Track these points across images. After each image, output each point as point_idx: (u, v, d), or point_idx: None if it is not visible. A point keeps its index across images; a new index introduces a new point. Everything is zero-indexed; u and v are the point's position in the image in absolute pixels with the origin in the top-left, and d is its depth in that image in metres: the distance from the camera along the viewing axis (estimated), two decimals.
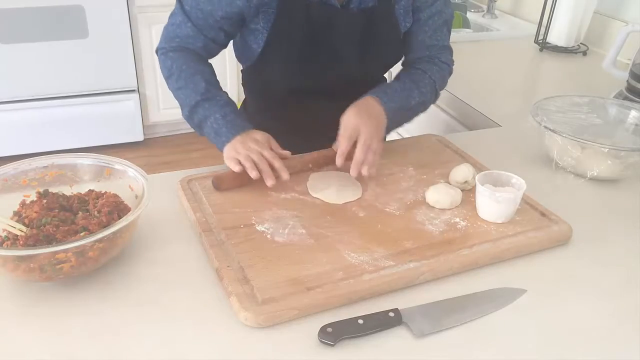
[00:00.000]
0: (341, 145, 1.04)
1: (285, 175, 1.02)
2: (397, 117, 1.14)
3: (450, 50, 1.26)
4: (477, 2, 2.63)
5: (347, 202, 1.02)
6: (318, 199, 1.03)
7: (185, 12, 1.11)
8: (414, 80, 1.18)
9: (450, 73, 1.26)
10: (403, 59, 1.27)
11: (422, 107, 1.21)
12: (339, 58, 1.18)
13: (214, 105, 1.09)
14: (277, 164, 1.02)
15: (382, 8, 1.15)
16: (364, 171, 1.03)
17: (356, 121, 1.05)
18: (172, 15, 1.15)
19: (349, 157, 1.04)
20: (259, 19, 1.12)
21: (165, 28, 1.16)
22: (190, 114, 1.11)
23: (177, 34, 1.13)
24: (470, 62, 1.88)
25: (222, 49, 1.19)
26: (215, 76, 1.15)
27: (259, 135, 1.07)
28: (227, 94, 1.12)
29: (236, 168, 1.02)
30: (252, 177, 1.00)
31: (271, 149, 1.05)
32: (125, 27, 2.94)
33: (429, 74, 1.19)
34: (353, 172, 1.03)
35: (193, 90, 1.09)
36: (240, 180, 1.04)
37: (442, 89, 1.25)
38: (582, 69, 1.90)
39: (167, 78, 1.14)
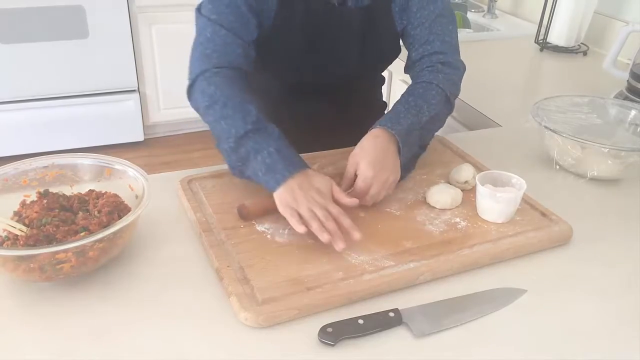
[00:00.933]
0: (352, 197, 0.95)
1: (356, 236, 0.88)
2: (412, 139, 1.05)
3: (455, 49, 1.18)
4: (477, 2, 2.63)
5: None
6: None
7: (215, 21, 1.04)
8: (420, 96, 1.08)
9: (460, 75, 1.17)
10: (406, 62, 1.24)
11: (437, 121, 1.12)
12: (337, 55, 1.18)
13: (267, 138, 0.95)
14: (346, 222, 0.89)
15: (379, 6, 1.15)
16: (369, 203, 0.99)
17: (370, 173, 0.96)
18: (198, 34, 1.06)
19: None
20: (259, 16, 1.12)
21: (195, 51, 1.06)
22: (236, 145, 0.95)
23: (213, 47, 1.03)
24: (471, 62, 1.86)
25: (254, 56, 1.10)
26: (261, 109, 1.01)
27: (321, 182, 0.93)
28: (276, 127, 0.98)
29: (300, 228, 0.87)
30: (323, 240, 0.86)
31: (335, 201, 0.92)
32: (126, 27, 2.94)
33: (435, 83, 1.10)
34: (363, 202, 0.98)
35: (242, 120, 0.96)
36: (266, 206, 0.95)
37: (455, 96, 1.15)
38: (583, 69, 1.90)
39: (209, 107, 0.99)
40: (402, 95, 1.11)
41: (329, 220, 0.88)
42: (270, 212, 0.95)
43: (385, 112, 1.44)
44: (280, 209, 0.90)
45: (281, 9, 1.10)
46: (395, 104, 1.09)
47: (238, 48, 1.05)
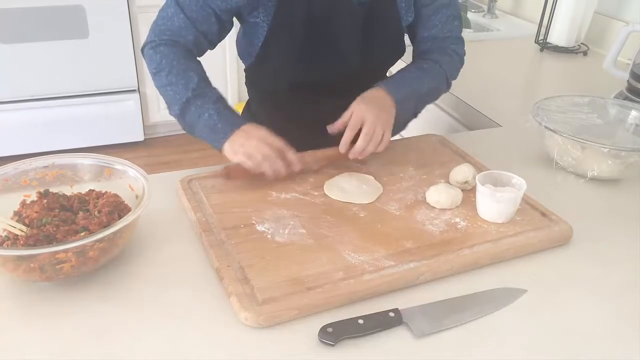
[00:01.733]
0: (346, 133, 1.07)
1: (298, 166, 1.03)
2: (408, 104, 1.15)
3: (462, 42, 1.27)
4: (477, 2, 2.63)
5: (348, 202, 1.02)
6: (323, 198, 1.03)
7: (179, 3, 1.08)
8: (423, 69, 1.19)
9: (462, 64, 1.27)
10: (413, 53, 1.28)
11: (434, 94, 1.23)
12: (340, 51, 1.18)
13: (206, 102, 1.05)
14: (289, 153, 1.03)
15: (383, 1, 1.15)
16: (360, 157, 1.08)
17: (362, 110, 1.07)
18: (162, 9, 1.12)
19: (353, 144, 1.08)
20: (259, 12, 1.11)
21: (155, 22, 1.12)
22: (181, 111, 1.07)
23: (168, 26, 1.09)
24: (471, 62, 1.87)
25: (209, 48, 1.16)
26: (206, 73, 1.11)
27: (257, 128, 1.05)
28: (218, 89, 1.09)
29: (248, 163, 1.01)
30: (269, 175, 1.01)
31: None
32: (126, 26, 2.94)
33: (439, 63, 1.20)
34: (351, 156, 1.08)
35: (184, 87, 1.06)
36: (248, 172, 1.03)
37: (453, 78, 1.26)
38: (583, 69, 1.90)
39: (156, 74, 1.09)
40: (408, 65, 1.22)
41: (274, 153, 1.01)
42: (255, 176, 1.04)
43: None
44: (231, 157, 1.02)
45: (282, 5, 1.10)
46: (399, 71, 1.20)
47: (190, 35, 1.10)
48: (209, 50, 1.17)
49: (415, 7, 1.19)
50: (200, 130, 1.06)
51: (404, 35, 1.22)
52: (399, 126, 1.16)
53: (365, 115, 1.07)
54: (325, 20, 1.13)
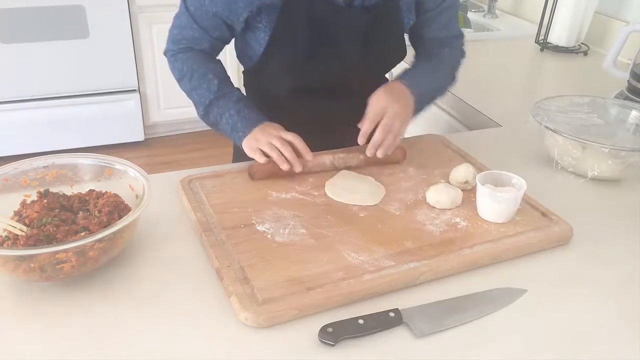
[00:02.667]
0: (364, 125, 1.09)
1: (309, 156, 1.06)
2: (422, 100, 1.18)
3: (462, 36, 1.30)
4: (477, 2, 2.63)
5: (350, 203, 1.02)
6: (324, 198, 1.03)
7: (190, 13, 1.12)
8: (434, 65, 1.23)
9: (464, 57, 1.29)
10: (415, 51, 1.30)
11: (443, 90, 1.26)
12: (343, 56, 1.17)
13: (227, 102, 1.12)
14: (301, 145, 1.07)
15: (386, 5, 1.14)
16: (379, 153, 1.09)
17: (383, 102, 1.09)
18: (177, 16, 1.16)
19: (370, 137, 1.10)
20: (261, 17, 1.11)
21: (171, 30, 1.18)
22: (205, 113, 1.14)
23: (183, 35, 1.15)
24: (471, 62, 1.86)
25: (226, 44, 1.21)
26: (226, 73, 1.18)
27: (275, 124, 1.10)
28: (239, 90, 1.16)
29: (261, 159, 1.06)
30: (283, 169, 1.04)
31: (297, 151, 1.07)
32: (126, 26, 2.94)
33: (447, 58, 1.25)
34: (369, 152, 1.10)
35: (207, 90, 1.13)
36: (271, 172, 1.07)
37: (456, 71, 1.29)
38: (583, 69, 1.90)
39: (180, 80, 1.17)
40: (418, 61, 1.26)
41: (285, 147, 1.05)
42: (277, 174, 1.07)
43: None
44: (249, 153, 1.08)
45: (285, 11, 1.09)
46: (413, 67, 1.24)
47: (205, 42, 1.16)
48: None
49: (417, 11, 1.19)
50: (223, 129, 1.13)
51: (404, 38, 1.22)
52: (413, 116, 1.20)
53: (387, 107, 1.09)
54: (327, 25, 1.13)
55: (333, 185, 1.07)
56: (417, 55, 1.29)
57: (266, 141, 1.06)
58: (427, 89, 1.19)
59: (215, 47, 1.18)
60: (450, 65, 1.26)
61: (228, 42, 1.20)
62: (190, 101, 1.18)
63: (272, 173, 1.07)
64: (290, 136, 1.07)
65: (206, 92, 1.13)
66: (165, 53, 1.20)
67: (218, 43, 1.17)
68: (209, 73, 1.14)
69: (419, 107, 1.17)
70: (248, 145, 1.09)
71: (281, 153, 1.06)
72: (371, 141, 1.09)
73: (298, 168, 1.06)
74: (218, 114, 1.13)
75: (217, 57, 1.21)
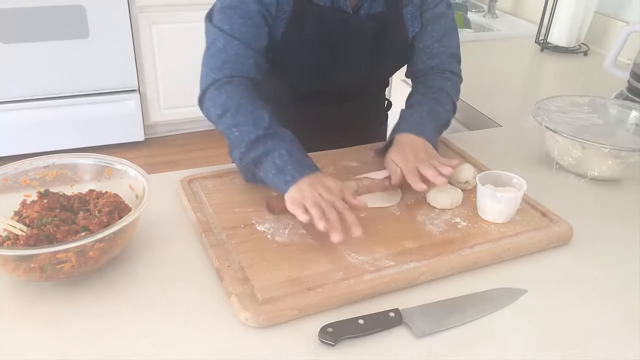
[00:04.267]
0: (410, 179, 0.99)
1: (357, 232, 0.87)
2: (435, 140, 1.12)
3: (458, 59, 1.24)
4: (477, 2, 2.63)
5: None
6: None
7: (226, 31, 1.04)
8: (437, 101, 1.15)
9: (460, 83, 1.24)
10: (408, 67, 1.26)
11: (448, 123, 1.19)
12: (350, 63, 1.18)
13: (279, 141, 0.96)
14: (350, 217, 0.88)
15: (391, 13, 1.15)
16: (436, 178, 0.99)
17: (403, 159, 1.02)
18: (208, 48, 1.07)
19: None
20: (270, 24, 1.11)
21: (206, 64, 1.07)
22: (247, 150, 0.97)
23: (224, 59, 1.05)
24: (471, 62, 1.87)
25: (265, 63, 1.11)
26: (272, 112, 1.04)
27: (331, 181, 0.93)
28: (290, 132, 1.00)
29: (302, 217, 0.87)
30: (319, 228, 0.86)
31: (343, 200, 0.92)
32: (126, 27, 2.94)
33: (446, 90, 1.18)
34: (433, 179, 0.99)
35: (254, 126, 0.97)
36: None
37: (457, 100, 1.23)
38: (583, 69, 1.90)
39: (221, 115, 1.01)
40: (417, 96, 1.18)
41: (331, 212, 0.87)
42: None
43: (388, 114, 1.45)
44: (289, 206, 0.90)
45: (293, 18, 1.09)
46: (413, 109, 1.15)
47: (250, 59, 1.06)
48: None
49: (420, 23, 1.19)
50: (266, 170, 0.95)
51: (408, 45, 1.22)
52: None
53: (410, 157, 1.02)
54: (335, 32, 1.13)
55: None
56: (415, 88, 1.22)
57: (312, 200, 0.88)
58: (435, 130, 1.12)
59: (258, 65, 1.07)
60: (450, 98, 1.18)
61: (266, 56, 1.10)
62: (228, 140, 1.02)
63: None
64: (341, 205, 0.89)
65: (253, 129, 0.97)
66: (203, 92, 1.05)
67: (260, 58, 1.08)
68: (258, 108, 1.00)
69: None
70: (291, 198, 0.91)
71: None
72: (426, 176, 0.99)
73: (337, 238, 0.85)
74: (263, 153, 0.95)
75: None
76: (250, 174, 1.01)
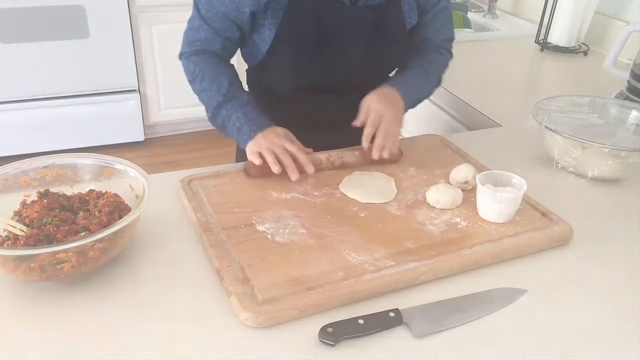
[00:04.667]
0: (367, 129, 1.12)
1: (310, 169, 1.06)
2: (411, 104, 1.22)
3: (453, 40, 1.33)
4: (477, 2, 2.63)
5: (369, 203, 1.03)
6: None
7: (202, 16, 1.14)
8: (425, 70, 1.25)
9: (451, 58, 1.33)
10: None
11: (429, 93, 1.30)
12: (347, 54, 1.18)
13: (235, 105, 1.12)
14: (302, 157, 1.06)
15: (389, 5, 1.16)
16: (385, 154, 1.12)
17: (380, 107, 1.12)
18: (190, 20, 1.18)
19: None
20: (266, 15, 1.12)
21: (185, 33, 1.19)
22: (213, 115, 1.14)
23: (196, 37, 1.16)
24: (471, 62, 1.88)
25: (238, 47, 1.23)
26: (238, 77, 1.19)
27: (281, 130, 1.10)
28: (248, 93, 1.16)
29: (257, 161, 1.05)
30: (274, 171, 1.04)
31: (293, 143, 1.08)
32: (126, 27, 2.94)
33: (435, 63, 1.28)
34: (375, 155, 1.12)
35: (216, 92, 1.13)
36: (266, 170, 1.06)
37: (443, 76, 1.32)
38: (583, 69, 1.90)
39: (192, 82, 1.17)
40: (411, 64, 1.26)
41: (284, 155, 1.05)
42: (269, 173, 1.06)
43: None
44: (249, 156, 1.07)
45: (290, 10, 1.10)
46: (405, 70, 1.25)
47: (218, 43, 1.17)
48: None
49: (418, 10, 1.21)
50: (230, 131, 1.13)
51: (407, 37, 1.22)
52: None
53: (384, 112, 1.12)
54: (332, 23, 1.13)
55: (348, 183, 1.08)
56: (418, 54, 1.30)
57: (266, 147, 1.06)
58: (415, 96, 1.23)
59: (226, 48, 1.18)
60: (439, 71, 1.29)
61: (239, 43, 1.20)
62: (200, 103, 1.18)
63: (267, 172, 1.06)
64: (293, 148, 1.07)
65: (215, 94, 1.13)
66: (179, 56, 1.21)
67: (228, 43, 1.17)
68: (219, 75, 1.14)
69: (406, 110, 1.21)
70: (250, 149, 1.08)
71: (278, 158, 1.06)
72: (375, 145, 1.12)
73: (294, 176, 1.05)
74: (226, 116, 1.12)
75: (230, 62, 1.22)
76: (222, 132, 1.16)
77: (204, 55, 1.17)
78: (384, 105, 1.12)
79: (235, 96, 1.13)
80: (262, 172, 1.07)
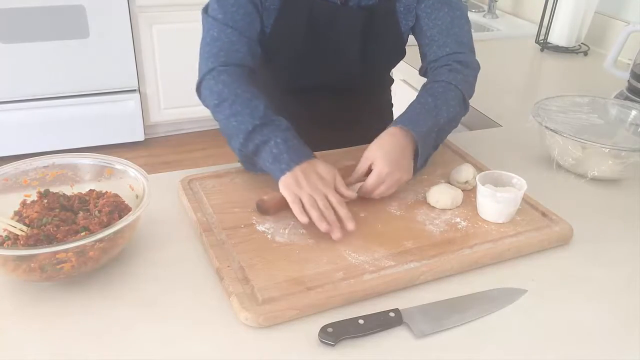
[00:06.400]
0: (362, 190, 1.00)
1: (350, 226, 0.91)
2: (429, 140, 1.06)
3: (471, 49, 1.17)
4: (477, 2, 2.63)
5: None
6: None
7: (220, 20, 1.07)
8: (439, 96, 1.08)
9: (476, 75, 1.16)
10: (421, 63, 1.23)
11: (454, 122, 1.12)
12: (340, 55, 1.18)
13: (275, 129, 0.98)
14: (343, 212, 0.92)
15: (382, 6, 1.15)
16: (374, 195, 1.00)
17: (382, 170, 0.98)
18: (204, 37, 1.09)
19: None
20: (261, 15, 1.12)
21: (202, 54, 1.09)
22: (245, 140, 0.99)
23: (219, 47, 1.06)
24: None
25: (259, 51, 1.13)
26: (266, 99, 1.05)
27: (324, 169, 0.96)
28: (284, 119, 1.02)
29: (303, 219, 0.91)
30: (321, 229, 0.90)
31: (336, 190, 0.95)
32: (126, 26, 2.94)
33: (454, 84, 1.09)
34: (359, 193, 1.01)
35: (249, 115, 0.99)
36: (283, 205, 0.96)
37: (470, 96, 1.15)
38: (583, 69, 1.90)
39: (218, 105, 1.03)
40: (420, 94, 1.11)
41: (328, 210, 0.91)
42: (287, 206, 0.94)
43: (393, 112, 1.44)
44: (283, 192, 0.93)
45: (284, 8, 1.10)
46: (413, 103, 1.08)
47: (244, 46, 1.08)
48: None
49: (421, 13, 1.17)
50: (264, 158, 0.98)
51: (403, 39, 1.22)
52: (421, 164, 1.06)
53: (386, 179, 0.98)
54: (325, 24, 1.13)
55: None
56: (423, 84, 1.15)
57: (308, 193, 0.92)
58: (430, 129, 1.05)
59: (252, 51, 1.09)
60: (460, 92, 1.10)
61: (259, 44, 1.12)
62: (223, 129, 1.03)
63: (284, 206, 0.95)
64: (336, 199, 0.93)
65: (249, 118, 0.98)
66: (200, 80, 1.07)
67: (254, 45, 1.09)
68: (254, 99, 1.01)
69: (425, 150, 1.04)
70: (285, 184, 0.93)
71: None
72: (362, 191, 1.00)
73: (337, 236, 0.90)
74: (261, 142, 0.97)
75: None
76: (249, 163, 1.04)
77: (231, 74, 1.04)
78: (389, 169, 0.98)
79: (273, 121, 0.99)
80: (278, 208, 0.97)
